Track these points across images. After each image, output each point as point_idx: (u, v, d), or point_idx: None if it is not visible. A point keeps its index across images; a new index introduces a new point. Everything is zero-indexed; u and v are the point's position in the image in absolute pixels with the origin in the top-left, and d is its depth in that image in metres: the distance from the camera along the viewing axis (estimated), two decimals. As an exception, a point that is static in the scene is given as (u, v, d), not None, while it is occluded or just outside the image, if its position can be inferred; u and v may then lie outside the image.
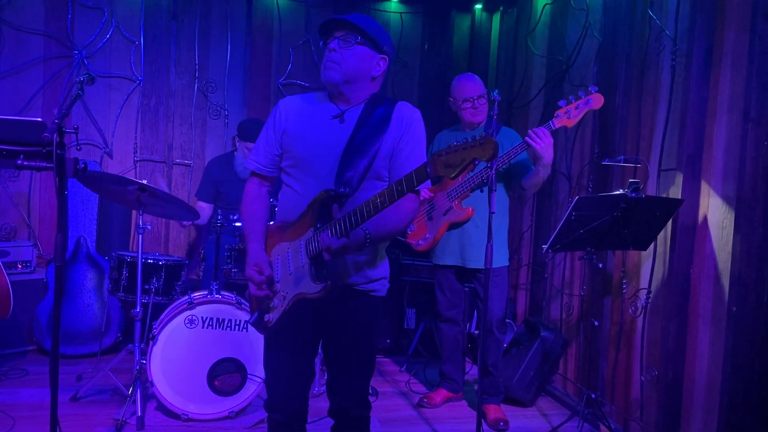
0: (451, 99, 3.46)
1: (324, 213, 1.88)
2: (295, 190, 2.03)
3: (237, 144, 3.99)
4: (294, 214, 1.99)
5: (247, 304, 3.08)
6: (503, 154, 3.12)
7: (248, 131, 3.84)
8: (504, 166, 3.22)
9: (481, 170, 3.25)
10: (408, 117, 2.05)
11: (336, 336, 2.08)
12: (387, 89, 5.12)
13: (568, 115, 3.04)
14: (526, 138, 3.07)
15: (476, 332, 4.30)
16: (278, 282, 2.01)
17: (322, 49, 2.05)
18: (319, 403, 3.33)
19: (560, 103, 3.08)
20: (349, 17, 1.99)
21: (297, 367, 2.09)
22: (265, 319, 2.04)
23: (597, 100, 3.02)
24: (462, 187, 3.33)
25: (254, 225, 2.09)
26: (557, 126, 3.07)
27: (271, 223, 2.12)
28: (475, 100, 3.38)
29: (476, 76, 3.46)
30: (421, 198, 3.42)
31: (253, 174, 2.17)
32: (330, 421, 2.18)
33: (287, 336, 2.05)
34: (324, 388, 3.43)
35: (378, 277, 2.07)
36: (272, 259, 2.05)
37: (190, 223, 3.75)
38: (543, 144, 3.04)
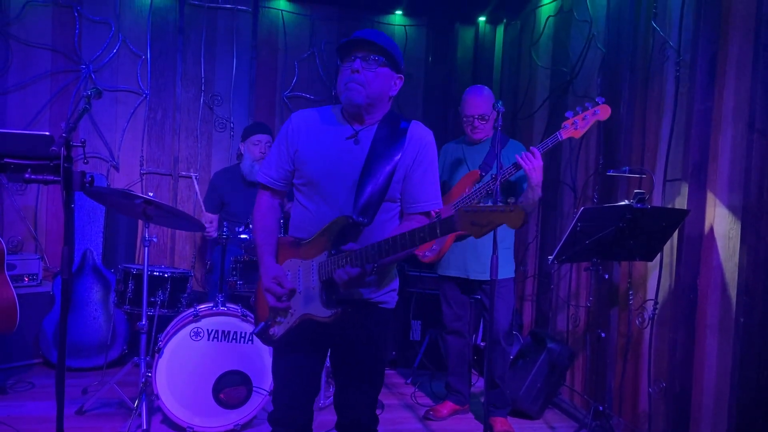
0: (460, 109, 3.46)
1: (340, 238, 1.88)
2: (307, 209, 2.02)
3: (242, 149, 3.99)
4: (306, 232, 1.99)
5: (252, 316, 3.08)
6: (504, 168, 3.11)
7: (250, 129, 3.96)
8: (507, 178, 3.22)
9: (487, 182, 3.25)
10: (422, 139, 2.03)
11: (345, 348, 2.07)
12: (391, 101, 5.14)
13: (575, 126, 3.04)
14: (517, 157, 3.08)
15: (482, 344, 4.28)
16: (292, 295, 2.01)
17: (339, 66, 2.00)
18: (324, 417, 3.32)
19: (567, 114, 3.08)
20: (373, 37, 1.94)
21: (305, 380, 2.08)
22: (270, 333, 2.04)
23: (604, 111, 3.02)
24: (468, 199, 3.32)
25: (268, 238, 2.07)
26: (564, 137, 3.06)
27: (288, 236, 2.11)
28: (475, 119, 3.35)
29: (485, 93, 3.39)
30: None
31: (264, 187, 2.13)
32: None
33: (297, 347, 2.04)
34: (330, 400, 3.42)
35: (388, 290, 2.07)
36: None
37: (216, 232, 3.76)
38: (530, 165, 3.04)
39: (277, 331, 2.03)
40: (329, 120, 2.06)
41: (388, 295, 2.08)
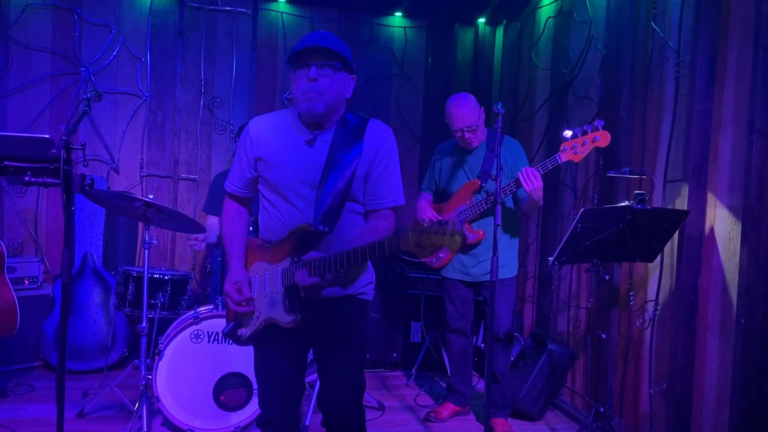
0: (446, 121, 3.38)
1: (302, 246, 1.91)
2: (273, 213, 2.05)
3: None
4: (274, 235, 2.03)
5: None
6: (505, 185, 3.08)
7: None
8: (508, 195, 3.21)
9: (490, 193, 3.23)
10: (380, 136, 2.03)
11: (326, 342, 2.08)
12: (391, 103, 5.15)
13: (575, 151, 3.02)
14: (519, 175, 3.07)
15: (482, 345, 4.27)
16: (254, 299, 2.06)
17: (292, 74, 1.97)
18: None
19: (564, 134, 3.04)
20: (328, 43, 1.92)
21: (287, 378, 2.11)
22: (239, 333, 2.11)
23: (604, 138, 2.98)
24: (471, 211, 3.32)
25: (233, 243, 2.13)
26: (564, 160, 3.03)
27: (257, 238, 2.15)
28: (465, 132, 3.29)
29: (468, 102, 3.29)
30: (428, 221, 3.42)
31: (230, 195, 2.18)
32: None
33: (275, 346, 2.07)
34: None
35: (366, 283, 2.11)
36: (251, 275, 2.09)
37: (204, 243, 3.70)
38: (531, 187, 3.03)
39: (244, 332, 2.09)
40: (287, 125, 2.06)
41: (366, 287, 2.12)
